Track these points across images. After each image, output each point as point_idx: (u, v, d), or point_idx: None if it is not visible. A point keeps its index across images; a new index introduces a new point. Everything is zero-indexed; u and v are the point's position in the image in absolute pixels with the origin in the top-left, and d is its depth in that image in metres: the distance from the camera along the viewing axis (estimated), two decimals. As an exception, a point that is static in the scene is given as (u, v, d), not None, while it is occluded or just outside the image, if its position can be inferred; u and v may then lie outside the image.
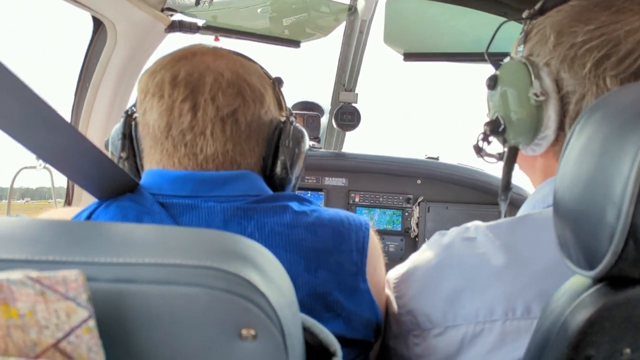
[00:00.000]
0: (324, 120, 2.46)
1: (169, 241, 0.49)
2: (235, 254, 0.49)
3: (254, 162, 0.81)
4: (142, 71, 0.86)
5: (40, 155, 0.64)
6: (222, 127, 0.77)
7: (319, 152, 2.31)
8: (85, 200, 1.63)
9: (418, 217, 2.25)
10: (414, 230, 2.25)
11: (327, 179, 2.31)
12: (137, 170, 0.84)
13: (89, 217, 0.72)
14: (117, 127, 0.85)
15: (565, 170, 0.55)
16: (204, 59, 0.79)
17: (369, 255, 0.77)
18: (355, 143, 2.59)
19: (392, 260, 2.28)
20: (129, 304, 0.43)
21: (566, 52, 0.72)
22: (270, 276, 0.50)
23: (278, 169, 0.84)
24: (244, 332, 0.44)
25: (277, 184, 0.85)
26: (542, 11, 0.78)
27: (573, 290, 0.54)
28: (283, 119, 0.86)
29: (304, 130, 0.90)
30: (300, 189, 2.30)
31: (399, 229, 2.28)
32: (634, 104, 0.49)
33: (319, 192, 2.31)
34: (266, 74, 0.87)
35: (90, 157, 0.66)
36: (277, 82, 0.88)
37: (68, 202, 1.75)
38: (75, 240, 0.49)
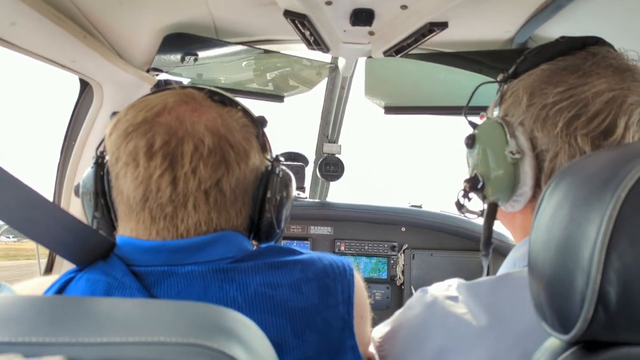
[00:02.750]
0: (308, 170, 2.49)
1: (153, 317, 0.50)
2: (219, 328, 0.49)
3: (239, 223, 0.78)
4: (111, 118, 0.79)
5: (15, 227, 0.64)
6: (205, 199, 0.73)
7: (304, 202, 2.33)
8: (67, 263, 1.61)
9: (403, 265, 2.25)
10: (399, 277, 2.25)
11: (312, 227, 2.32)
12: (113, 227, 0.79)
13: (60, 291, 0.70)
14: (89, 176, 0.79)
15: (537, 234, 0.57)
16: (180, 117, 0.73)
17: (355, 305, 0.76)
18: (340, 192, 2.61)
19: (379, 308, 2.27)
20: (113, 385, 0.43)
21: (539, 112, 0.76)
22: (254, 349, 0.50)
23: (265, 224, 0.81)
24: None
25: (263, 237, 0.83)
26: (515, 75, 0.82)
27: (551, 353, 0.55)
28: (268, 165, 0.82)
29: (290, 173, 0.86)
30: (285, 238, 2.31)
31: (385, 276, 2.28)
32: (599, 173, 0.52)
33: (305, 241, 2.31)
34: (249, 117, 0.81)
35: (63, 225, 0.66)
36: (261, 124, 0.83)
37: (50, 264, 1.72)
38: (58, 319, 0.49)
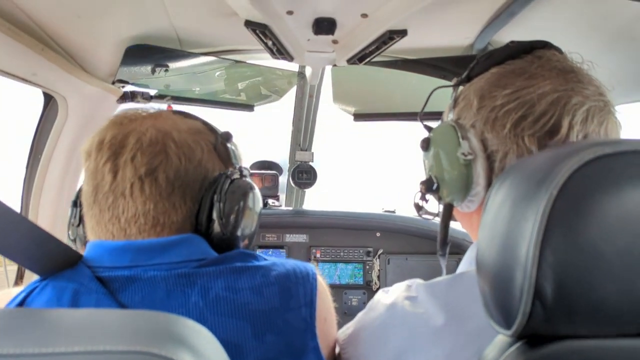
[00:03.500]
0: (283, 178, 2.50)
1: (100, 325, 0.50)
2: (167, 334, 0.50)
3: (181, 219, 0.78)
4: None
5: None
6: (140, 186, 0.76)
7: (278, 210, 2.33)
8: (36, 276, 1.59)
9: (379, 270, 2.27)
10: (375, 283, 2.27)
11: (288, 235, 2.32)
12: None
13: (23, 301, 0.70)
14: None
15: (483, 233, 0.59)
16: (136, 122, 0.80)
17: (317, 308, 0.77)
18: (316, 200, 2.62)
19: (356, 314, 2.26)
20: (56, 396, 0.43)
21: (488, 114, 0.77)
22: (203, 354, 0.50)
23: (216, 228, 0.79)
24: None
25: (222, 245, 0.81)
26: (468, 78, 0.84)
27: (499, 348, 0.57)
28: (223, 171, 0.83)
29: (251, 183, 0.86)
30: (261, 246, 2.30)
31: (361, 282, 2.29)
32: (536, 172, 0.54)
33: (281, 250, 2.31)
34: (210, 129, 0.86)
35: (26, 233, 0.67)
36: (223, 137, 0.86)
37: (20, 275, 1.70)
38: (5, 330, 0.49)
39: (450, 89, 0.90)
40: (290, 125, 2.25)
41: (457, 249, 2.08)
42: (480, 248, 0.58)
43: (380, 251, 2.28)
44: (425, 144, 0.86)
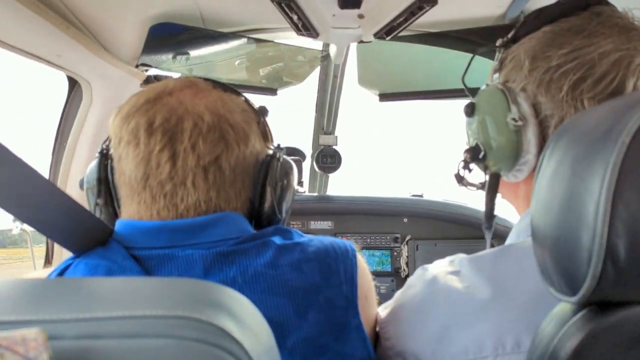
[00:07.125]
0: (306, 164, 2.47)
1: (138, 292, 0.48)
2: (208, 301, 0.47)
3: (239, 205, 0.78)
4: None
5: (11, 211, 0.62)
6: (204, 176, 0.74)
7: (303, 196, 2.30)
8: (65, 257, 1.60)
9: (407, 256, 2.22)
10: (404, 269, 2.22)
11: (312, 222, 2.29)
12: (116, 215, 0.80)
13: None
14: (93, 167, 0.80)
15: (538, 196, 0.55)
16: (181, 99, 0.76)
17: (359, 285, 0.74)
18: (340, 186, 2.59)
19: (384, 303, 2.24)
20: (95, 362, 0.41)
21: (542, 76, 0.73)
22: (246, 323, 0.48)
23: (266, 209, 0.80)
24: None
25: (264, 223, 0.82)
26: (515, 39, 0.80)
27: (559, 318, 0.53)
28: (269, 152, 0.83)
29: (292, 162, 0.86)
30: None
31: (389, 269, 2.25)
32: (599, 125, 0.50)
33: (305, 237, 2.28)
34: (250, 105, 0.84)
35: (62, 208, 0.65)
36: (262, 113, 0.85)
37: (48, 260, 1.71)
38: (39, 298, 0.47)
39: (486, 64, 0.85)
40: (313, 108, 2.21)
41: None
42: (536, 213, 0.54)
43: (408, 237, 2.24)
44: (470, 110, 0.82)
